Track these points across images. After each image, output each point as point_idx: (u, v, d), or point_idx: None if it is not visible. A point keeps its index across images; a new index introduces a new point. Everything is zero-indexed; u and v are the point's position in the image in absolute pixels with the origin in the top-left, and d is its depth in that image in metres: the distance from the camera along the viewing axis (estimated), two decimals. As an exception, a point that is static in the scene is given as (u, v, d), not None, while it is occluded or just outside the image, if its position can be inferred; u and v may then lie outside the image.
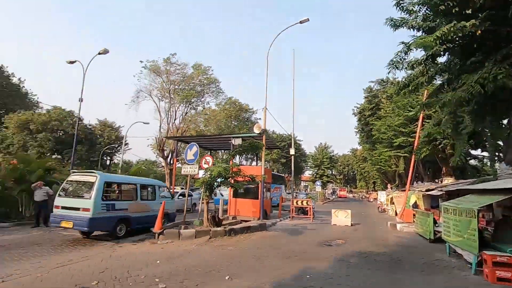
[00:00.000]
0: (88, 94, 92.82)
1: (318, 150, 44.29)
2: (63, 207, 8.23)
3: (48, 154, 34.05)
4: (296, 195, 28.42)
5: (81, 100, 17.32)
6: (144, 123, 29.69)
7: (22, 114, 34.03)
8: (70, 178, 8.95)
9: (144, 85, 28.98)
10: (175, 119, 30.15)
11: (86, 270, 5.32)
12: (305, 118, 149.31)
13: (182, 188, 23.46)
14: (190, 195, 13.80)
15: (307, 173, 63.58)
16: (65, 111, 37.06)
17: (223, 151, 32.99)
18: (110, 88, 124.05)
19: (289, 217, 15.27)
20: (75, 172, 9.49)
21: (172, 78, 29.52)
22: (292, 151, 20.86)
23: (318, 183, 35.63)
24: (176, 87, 29.86)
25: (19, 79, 36.45)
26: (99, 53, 17.23)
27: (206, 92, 32.11)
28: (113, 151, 44.63)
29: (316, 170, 42.16)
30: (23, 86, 37.67)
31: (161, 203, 9.41)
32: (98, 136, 41.45)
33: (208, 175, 9.46)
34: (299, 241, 9.26)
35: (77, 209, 8.00)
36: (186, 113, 31.39)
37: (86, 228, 7.95)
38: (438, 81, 11.90)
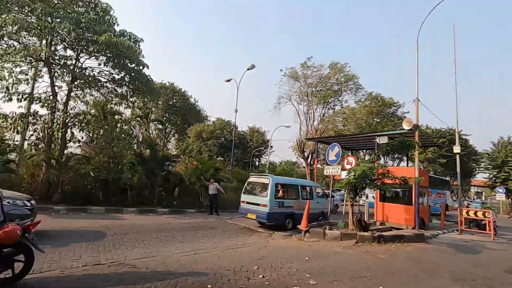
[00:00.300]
0: (240, 105, 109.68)
1: (497, 146, 33.89)
2: (247, 202, 10.50)
3: (215, 156, 42.45)
4: (468, 204, 22.80)
5: (236, 111, 20.61)
6: (286, 126, 32.10)
7: (197, 126, 44.11)
8: (249, 180, 11.14)
9: (284, 91, 31.33)
10: (313, 121, 30.85)
11: (248, 256, 6.24)
12: (473, 107, 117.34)
13: (322, 189, 23.61)
14: (332, 196, 13.75)
15: (481, 177, 49.74)
16: (224, 121, 45.26)
17: (364, 151, 30.85)
18: (256, 97, 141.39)
19: (457, 230, 12.41)
20: (253, 174, 11.71)
21: (309, 81, 30.40)
22: (456, 149, 16.90)
23: (501, 190, 27.17)
24: (313, 89, 30.50)
25: (194, 99, 47.69)
26: (248, 69, 19.98)
27: (344, 90, 31.08)
28: (261, 153, 50.53)
29: (495, 173, 32.36)
30: (198, 105, 48.93)
31: (318, 202, 10.51)
32: (248, 140, 48.09)
33: (352, 176, 9.07)
34: (475, 261, 7.36)
35: (258, 204, 9.94)
36: (324, 114, 31.48)
37: (265, 220, 9.69)
38: None
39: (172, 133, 47.85)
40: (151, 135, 35.62)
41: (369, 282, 4.98)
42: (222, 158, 44.25)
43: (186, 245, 6.84)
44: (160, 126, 41.20)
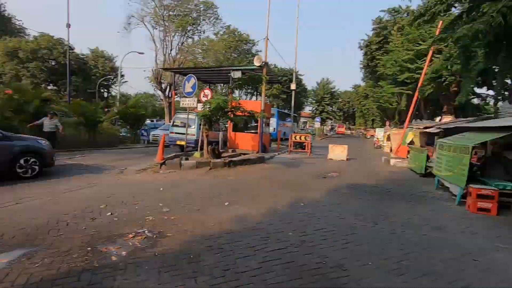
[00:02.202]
0: (75, 20, 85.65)
1: (319, 85, 43.24)
2: (176, 133, 13.67)
3: (43, 84, 33.25)
4: (299, 131, 28.88)
5: (68, 25, 16.07)
6: (139, 53, 28.03)
7: (8, 41, 32.02)
8: (177, 116, 14.60)
9: (135, 9, 26.64)
10: (171, 50, 28.60)
11: (94, 195, 5.66)
12: (308, 52, 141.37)
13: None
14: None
15: (307, 109, 63.40)
16: (54, 39, 34.77)
17: (222, 85, 32.19)
18: (98, 13, 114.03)
19: (287, 151, 15.75)
20: (179, 112, 15.26)
21: (165, 2, 26.93)
22: (293, 86, 20.33)
23: (318, 119, 35.91)
24: (171, 13, 27.46)
25: (-2, 1, 33.24)
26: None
27: (203, 19, 29.71)
28: (109, 82, 43.54)
29: (316, 106, 42.03)
30: (5, 10, 34.57)
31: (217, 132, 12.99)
32: (92, 66, 39.89)
33: (207, 108, 9.36)
34: (295, 173, 9.70)
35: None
36: (183, 43, 29.60)
37: (193, 145, 12.63)
38: (456, 11, 10.97)
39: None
40: None
41: (218, 201, 5.67)
42: (55, 87, 35.40)
43: (6, 194, 5.41)
44: None
